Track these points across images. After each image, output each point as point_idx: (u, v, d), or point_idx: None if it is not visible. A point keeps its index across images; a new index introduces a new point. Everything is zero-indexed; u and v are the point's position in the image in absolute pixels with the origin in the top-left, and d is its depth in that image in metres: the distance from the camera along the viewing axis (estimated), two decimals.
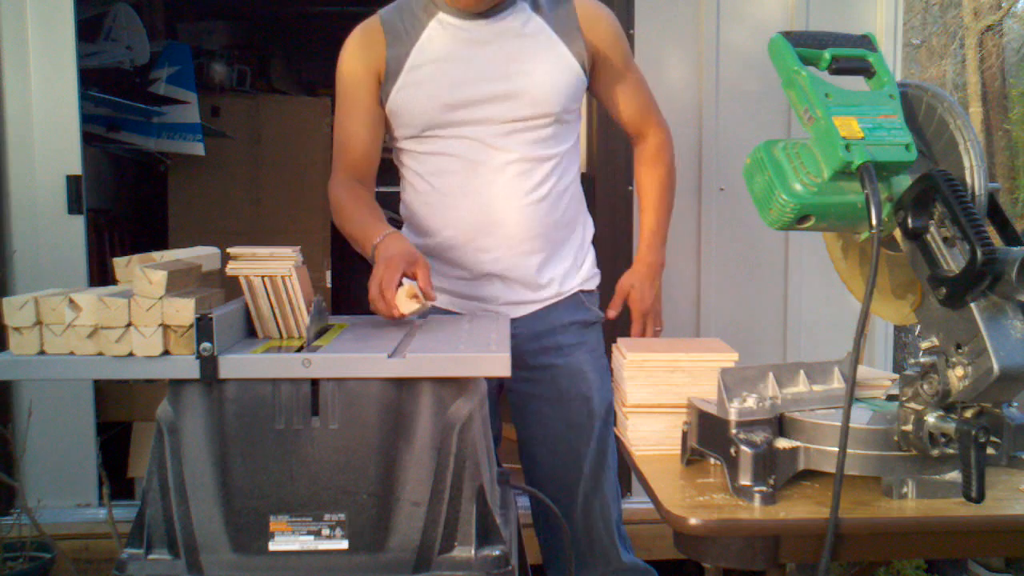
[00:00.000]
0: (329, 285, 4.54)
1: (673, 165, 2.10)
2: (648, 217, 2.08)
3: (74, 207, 3.03)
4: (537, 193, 1.89)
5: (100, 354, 1.27)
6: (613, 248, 2.95)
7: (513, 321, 1.92)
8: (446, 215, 1.91)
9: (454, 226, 1.90)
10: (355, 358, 1.29)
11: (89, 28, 3.76)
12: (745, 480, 1.29)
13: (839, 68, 1.30)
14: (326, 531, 1.28)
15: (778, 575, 1.27)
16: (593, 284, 2.02)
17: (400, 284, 1.58)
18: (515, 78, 1.85)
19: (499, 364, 1.29)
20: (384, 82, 1.89)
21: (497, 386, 1.99)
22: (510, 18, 1.88)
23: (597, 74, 1.96)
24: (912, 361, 1.26)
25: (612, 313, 2.03)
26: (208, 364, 1.26)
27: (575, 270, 1.98)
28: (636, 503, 2.91)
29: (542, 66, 1.87)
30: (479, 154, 1.87)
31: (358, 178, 1.96)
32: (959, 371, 1.19)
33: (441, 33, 1.87)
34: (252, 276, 1.41)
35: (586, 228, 2.03)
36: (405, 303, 1.52)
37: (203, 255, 1.48)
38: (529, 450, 1.98)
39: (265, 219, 4.50)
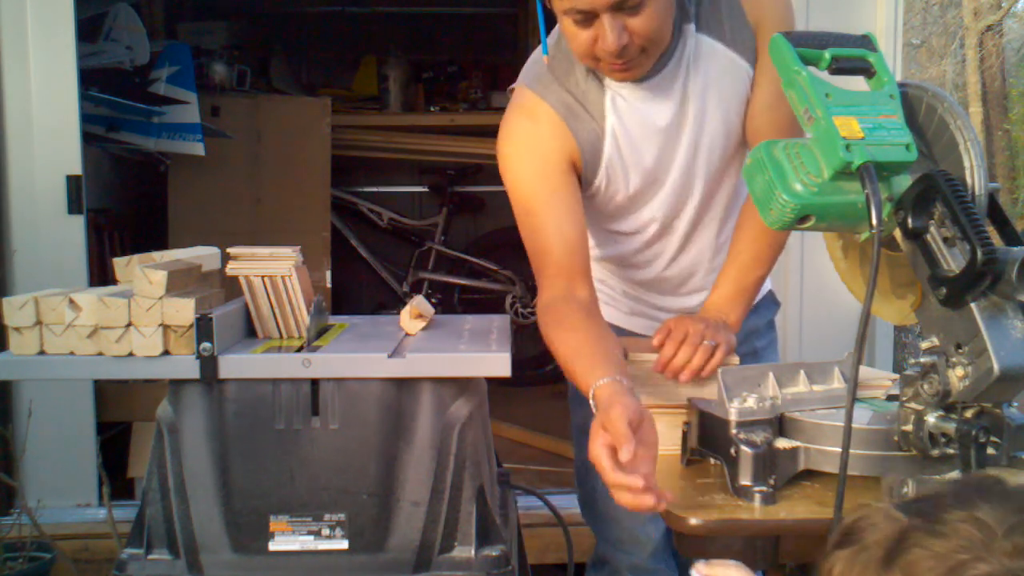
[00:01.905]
0: (329, 285, 4.53)
1: None
2: (747, 275, 1.77)
3: (74, 207, 3.03)
4: (726, 230, 1.84)
5: (100, 354, 1.27)
6: None
7: None
8: (636, 275, 1.88)
9: (642, 280, 1.88)
10: (355, 358, 1.29)
11: (89, 28, 3.76)
12: (745, 480, 1.29)
13: (839, 68, 1.30)
14: (326, 531, 1.28)
15: (778, 575, 1.27)
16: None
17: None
18: (703, 135, 1.70)
19: (499, 364, 1.29)
20: (583, 172, 1.70)
21: None
22: (678, 54, 1.66)
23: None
24: (912, 361, 1.26)
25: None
26: (208, 364, 1.26)
27: None
28: None
29: (724, 102, 1.70)
30: (669, 217, 1.78)
31: (570, 280, 1.64)
32: (959, 371, 1.19)
33: (624, 110, 1.68)
34: (252, 276, 1.41)
35: None
36: (410, 323, 1.52)
37: (203, 255, 1.48)
38: None
39: (265, 219, 4.50)
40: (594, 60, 1.58)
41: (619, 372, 1.42)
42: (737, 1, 1.68)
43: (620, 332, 1.88)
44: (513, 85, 1.75)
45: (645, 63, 1.59)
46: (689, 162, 1.72)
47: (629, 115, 1.68)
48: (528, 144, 1.67)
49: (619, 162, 1.70)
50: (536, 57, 1.71)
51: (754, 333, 1.90)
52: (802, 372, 1.46)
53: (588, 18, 1.51)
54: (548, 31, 1.65)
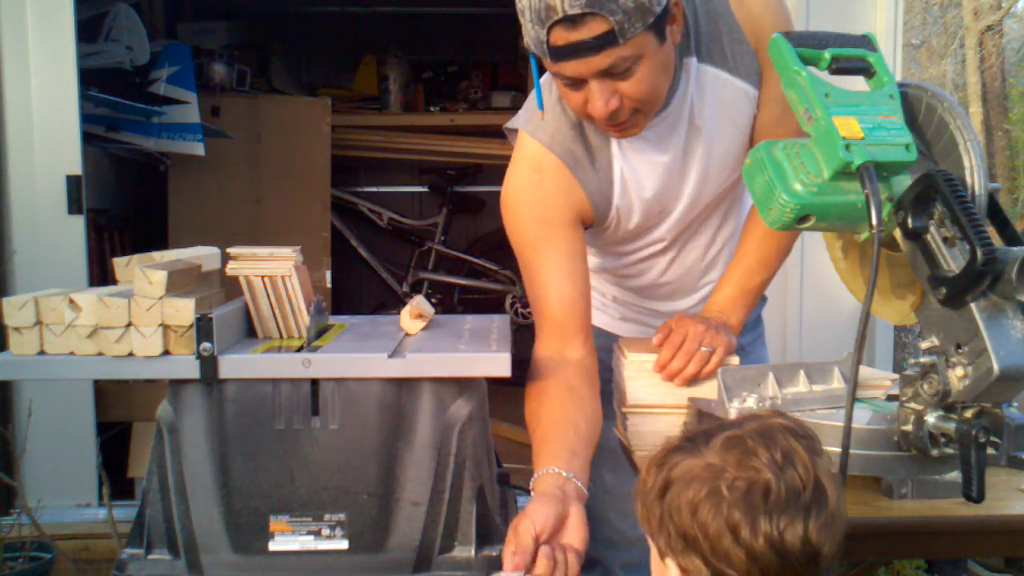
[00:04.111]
0: (329, 285, 4.54)
1: None
2: (752, 279, 1.76)
3: (74, 207, 3.03)
4: (722, 233, 1.83)
5: (100, 354, 1.27)
6: None
7: None
8: (629, 283, 1.89)
9: (634, 287, 1.88)
10: (355, 358, 1.29)
11: (89, 28, 3.76)
12: None
13: (839, 68, 1.30)
14: (326, 531, 1.28)
15: None
16: None
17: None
18: (712, 164, 1.69)
19: (499, 364, 1.29)
20: (594, 217, 1.69)
21: None
22: (682, 89, 1.63)
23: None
24: (912, 361, 1.26)
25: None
26: (208, 364, 1.26)
27: None
28: None
29: (732, 128, 1.68)
30: (676, 238, 1.79)
31: (564, 338, 1.63)
32: (959, 371, 1.19)
33: (631, 151, 1.65)
34: (252, 276, 1.41)
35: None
36: (410, 323, 1.52)
37: (203, 255, 1.48)
38: None
39: (265, 219, 4.50)
40: (589, 119, 1.56)
41: (568, 462, 1.41)
42: (736, 25, 1.63)
43: (610, 337, 1.88)
44: (510, 124, 1.72)
45: (641, 121, 1.56)
46: (699, 190, 1.72)
47: (636, 156, 1.66)
48: (532, 199, 1.64)
49: (629, 203, 1.69)
50: (536, 104, 1.66)
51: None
52: (802, 372, 1.46)
53: (576, 83, 1.48)
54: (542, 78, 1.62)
